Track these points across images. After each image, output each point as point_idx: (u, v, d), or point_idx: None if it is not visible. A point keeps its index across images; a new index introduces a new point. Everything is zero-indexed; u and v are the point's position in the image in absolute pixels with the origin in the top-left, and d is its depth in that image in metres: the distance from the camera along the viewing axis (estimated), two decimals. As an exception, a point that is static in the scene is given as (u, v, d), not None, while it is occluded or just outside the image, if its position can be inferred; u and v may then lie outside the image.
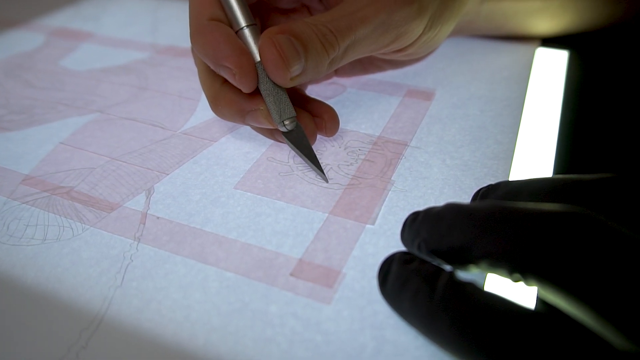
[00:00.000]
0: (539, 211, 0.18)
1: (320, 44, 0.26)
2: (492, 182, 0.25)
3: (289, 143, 0.29)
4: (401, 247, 0.23)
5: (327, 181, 0.29)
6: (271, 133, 0.31)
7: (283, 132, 0.29)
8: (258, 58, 0.27)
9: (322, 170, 0.29)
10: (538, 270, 0.17)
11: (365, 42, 0.27)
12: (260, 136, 0.33)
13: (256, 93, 0.28)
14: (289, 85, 0.26)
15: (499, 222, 0.19)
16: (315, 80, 0.36)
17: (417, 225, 0.21)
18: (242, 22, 0.27)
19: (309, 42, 0.26)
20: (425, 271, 0.20)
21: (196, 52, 0.28)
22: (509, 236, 0.18)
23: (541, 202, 0.20)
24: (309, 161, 0.29)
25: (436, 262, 0.20)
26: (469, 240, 0.19)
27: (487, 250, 0.18)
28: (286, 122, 0.28)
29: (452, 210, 0.20)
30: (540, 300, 0.23)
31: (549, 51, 0.41)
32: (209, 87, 0.29)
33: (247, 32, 0.27)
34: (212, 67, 0.27)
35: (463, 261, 0.20)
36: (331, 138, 0.32)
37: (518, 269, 0.18)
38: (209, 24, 0.26)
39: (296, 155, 0.31)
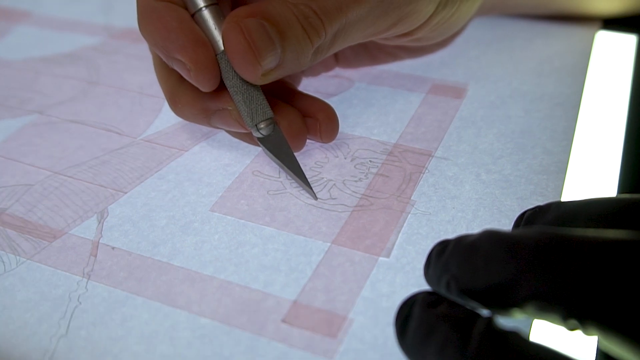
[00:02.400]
0: (600, 240, 0.19)
1: (301, 29, 0.26)
2: (540, 203, 0.25)
3: (266, 151, 0.30)
4: (424, 286, 0.24)
5: (315, 198, 0.30)
6: (251, 137, 0.31)
7: (258, 138, 0.29)
8: (222, 47, 0.27)
9: (308, 184, 0.30)
10: (600, 315, 0.18)
11: (359, 25, 0.28)
12: (244, 144, 0.33)
13: (222, 88, 0.29)
14: (261, 82, 0.27)
15: (550, 253, 0.19)
16: (311, 72, 0.37)
17: (445, 258, 0.22)
18: (200, 1, 0.28)
19: (286, 27, 0.26)
20: (456, 317, 0.20)
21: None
22: (563, 272, 0.18)
23: (603, 228, 0.21)
24: (291, 173, 0.30)
25: (470, 304, 0.21)
26: (512, 278, 0.19)
27: (535, 290, 0.19)
28: (260, 126, 0.29)
29: (489, 239, 0.21)
30: (602, 353, 0.23)
31: (613, 35, 0.42)
32: (165, 81, 0.30)
33: (206, 15, 0.28)
34: (164, 60, 0.28)
35: (504, 304, 0.20)
36: (332, 145, 0.33)
37: (574, 314, 0.18)
38: (157, 5, 0.27)
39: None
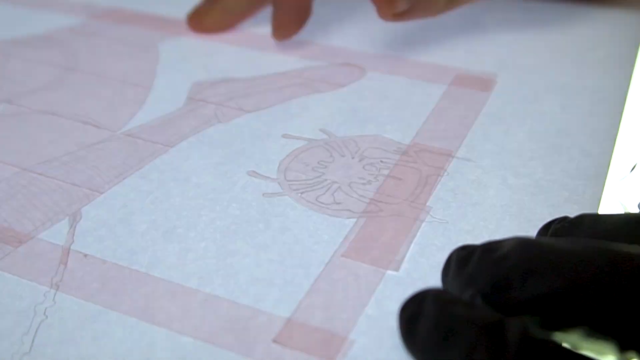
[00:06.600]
0: None
1: None
2: (572, 213, 0.25)
3: None
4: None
5: None
6: None
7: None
8: None
9: None
10: None
11: None
12: (238, 141, 0.34)
13: None
14: (393, 20, 0.35)
15: (606, 274, 0.19)
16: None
17: (471, 270, 0.21)
18: None
19: None
20: (483, 319, 0.20)
21: None
22: (623, 296, 0.18)
23: None
24: None
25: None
26: (555, 298, 0.19)
27: (585, 315, 0.19)
28: None
29: (524, 249, 0.20)
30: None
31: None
32: None
33: None
34: None
35: (541, 325, 0.20)
36: (339, 143, 0.33)
37: (634, 345, 0.18)
38: None
39: (288, 169, 0.32)
